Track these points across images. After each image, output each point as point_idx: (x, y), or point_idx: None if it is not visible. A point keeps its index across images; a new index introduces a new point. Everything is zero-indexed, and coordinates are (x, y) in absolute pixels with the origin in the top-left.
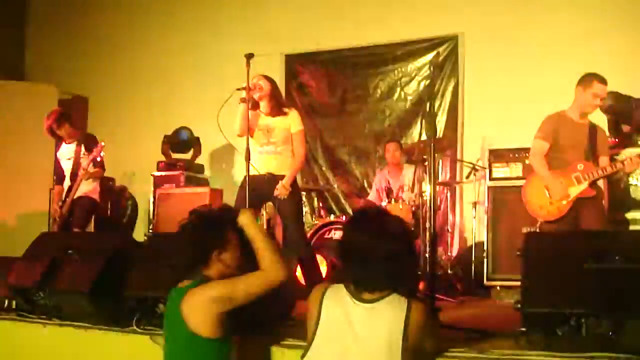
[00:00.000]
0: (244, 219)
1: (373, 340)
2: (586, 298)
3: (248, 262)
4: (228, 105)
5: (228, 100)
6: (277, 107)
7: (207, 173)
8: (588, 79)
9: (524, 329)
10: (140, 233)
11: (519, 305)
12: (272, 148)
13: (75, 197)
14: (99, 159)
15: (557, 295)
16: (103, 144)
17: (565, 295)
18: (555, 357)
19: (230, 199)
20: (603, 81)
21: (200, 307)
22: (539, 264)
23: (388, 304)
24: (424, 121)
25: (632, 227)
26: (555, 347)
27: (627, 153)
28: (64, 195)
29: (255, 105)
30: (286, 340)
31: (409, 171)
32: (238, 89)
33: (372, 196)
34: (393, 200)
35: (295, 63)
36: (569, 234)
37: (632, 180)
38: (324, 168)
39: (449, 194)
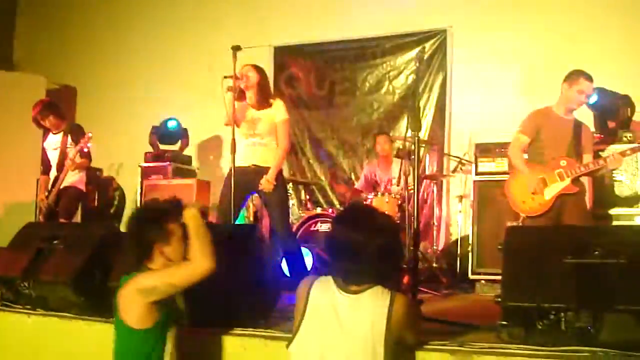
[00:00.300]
0: (187, 213)
1: (357, 330)
2: (565, 292)
3: None
4: (217, 95)
5: (217, 90)
6: (263, 99)
7: (194, 164)
8: (574, 75)
9: (504, 323)
10: None
11: (499, 299)
12: (258, 139)
13: (61, 187)
14: (85, 149)
15: (537, 289)
16: (90, 134)
17: (545, 290)
18: (534, 351)
19: (217, 190)
20: (589, 78)
21: (127, 297)
22: (520, 258)
23: (372, 295)
24: (408, 116)
25: (616, 223)
26: (535, 340)
27: (612, 150)
28: (50, 185)
29: (242, 96)
30: (268, 332)
31: (397, 164)
32: (225, 77)
33: (359, 185)
34: (379, 193)
35: (284, 55)
36: (550, 228)
37: (616, 177)
38: (311, 160)
39: (435, 188)
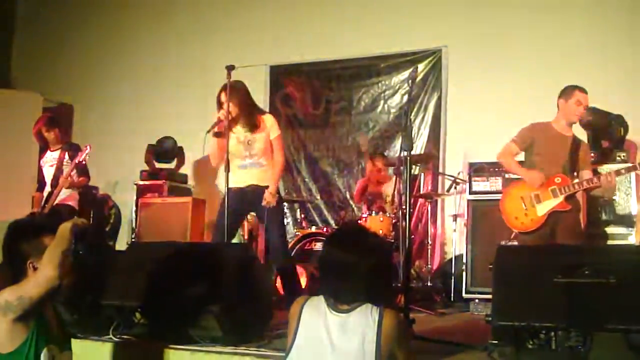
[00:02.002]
0: (60, 227)
1: (348, 349)
2: (556, 312)
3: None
4: (213, 113)
5: (213, 109)
6: (253, 122)
7: (190, 183)
8: (569, 89)
9: (495, 342)
10: (123, 242)
11: (490, 318)
12: (255, 160)
13: (54, 204)
14: (84, 162)
15: (527, 308)
16: (89, 148)
17: (536, 309)
18: None
19: (213, 208)
20: (584, 90)
21: None
22: (510, 277)
23: (361, 312)
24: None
25: (610, 242)
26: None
27: (607, 169)
28: (43, 202)
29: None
30: (261, 351)
31: (392, 183)
32: (212, 128)
33: (356, 197)
34: (374, 212)
35: (280, 74)
36: (540, 248)
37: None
38: (306, 179)
39: (430, 207)
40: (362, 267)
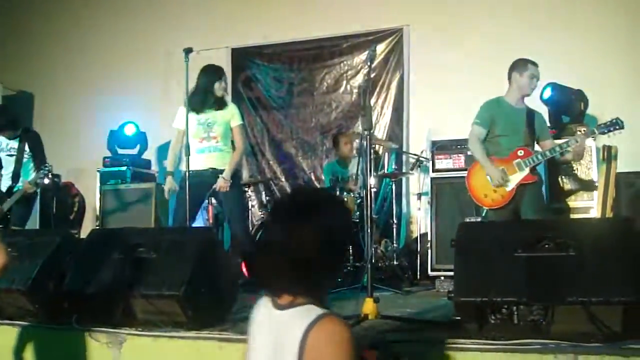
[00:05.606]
0: None
1: (285, 350)
2: (517, 286)
3: None
4: (174, 98)
5: (174, 93)
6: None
7: (153, 168)
8: (521, 63)
9: (457, 317)
10: (88, 229)
11: (452, 295)
12: (213, 143)
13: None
14: (46, 181)
15: (489, 284)
16: (49, 166)
17: (497, 284)
18: (487, 345)
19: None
20: (535, 63)
21: None
22: (471, 253)
23: (298, 313)
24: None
25: (572, 215)
26: (488, 334)
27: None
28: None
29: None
30: (223, 334)
31: (355, 162)
32: None
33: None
34: (338, 192)
35: (241, 57)
36: (501, 223)
37: (573, 168)
38: (271, 162)
39: (394, 186)
40: (283, 247)
